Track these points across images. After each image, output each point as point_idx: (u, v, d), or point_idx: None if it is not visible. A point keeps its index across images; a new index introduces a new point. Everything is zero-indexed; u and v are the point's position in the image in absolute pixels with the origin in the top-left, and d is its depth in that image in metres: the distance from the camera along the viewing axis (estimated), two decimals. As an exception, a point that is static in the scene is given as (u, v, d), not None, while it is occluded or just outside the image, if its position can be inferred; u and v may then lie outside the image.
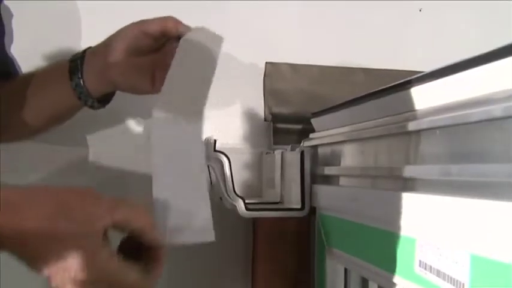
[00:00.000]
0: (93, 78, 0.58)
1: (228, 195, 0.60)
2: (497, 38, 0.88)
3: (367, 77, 0.85)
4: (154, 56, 0.58)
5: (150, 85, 0.58)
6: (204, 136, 0.69)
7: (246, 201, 0.61)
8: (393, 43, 0.89)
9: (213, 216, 0.85)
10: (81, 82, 0.58)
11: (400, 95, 0.44)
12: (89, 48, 0.59)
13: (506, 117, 0.30)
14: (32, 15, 0.72)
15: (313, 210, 0.61)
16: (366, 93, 0.50)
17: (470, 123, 0.34)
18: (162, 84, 0.52)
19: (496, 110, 0.31)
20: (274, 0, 0.82)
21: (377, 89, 0.48)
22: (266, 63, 0.79)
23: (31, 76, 0.61)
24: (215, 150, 0.60)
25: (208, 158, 0.63)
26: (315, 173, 0.62)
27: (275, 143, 0.78)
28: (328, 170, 0.59)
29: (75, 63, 0.58)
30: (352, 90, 0.83)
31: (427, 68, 0.90)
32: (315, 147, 0.63)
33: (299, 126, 0.77)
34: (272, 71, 0.79)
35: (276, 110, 0.78)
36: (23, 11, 0.72)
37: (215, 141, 0.61)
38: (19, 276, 0.78)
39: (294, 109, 0.79)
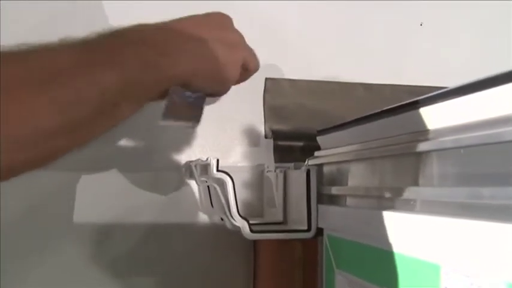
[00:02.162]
0: None
1: (231, 216, 0.58)
2: (498, 51, 0.88)
3: (367, 92, 0.83)
4: None
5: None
6: (204, 156, 0.67)
7: (250, 222, 0.59)
8: (393, 58, 0.88)
9: (212, 237, 0.83)
10: None
11: (414, 113, 0.42)
12: None
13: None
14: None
15: (320, 231, 0.59)
16: (376, 111, 0.48)
17: (504, 142, 0.31)
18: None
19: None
20: (272, 16, 0.81)
21: (387, 107, 0.46)
22: (266, 78, 0.78)
23: None
24: (218, 170, 0.58)
25: (209, 178, 0.61)
26: (321, 192, 0.60)
27: (276, 161, 0.75)
28: (336, 190, 0.57)
29: None
30: (352, 106, 0.82)
31: (427, 83, 0.88)
32: (321, 165, 0.61)
33: (300, 143, 0.75)
34: (272, 86, 0.77)
35: (277, 126, 0.76)
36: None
37: (218, 160, 0.58)
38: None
39: (295, 125, 0.77)
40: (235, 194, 0.58)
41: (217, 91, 0.50)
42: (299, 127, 0.77)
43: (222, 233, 0.82)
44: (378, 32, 0.86)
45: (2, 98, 0.32)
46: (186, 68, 0.43)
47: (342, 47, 0.85)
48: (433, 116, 0.40)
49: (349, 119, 0.54)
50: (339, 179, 0.58)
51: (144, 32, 0.42)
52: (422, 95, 0.40)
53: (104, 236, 0.83)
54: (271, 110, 0.77)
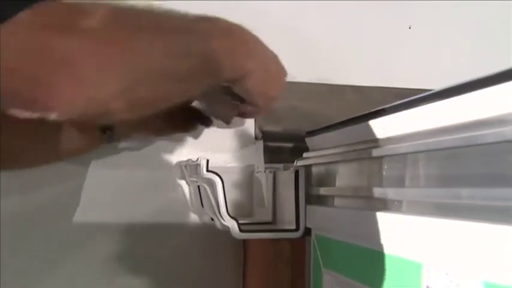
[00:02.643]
0: None
1: (221, 216, 0.59)
2: (487, 53, 0.89)
3: (356, 94, 0.84)
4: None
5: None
6: (195, 156, 0.67)
7: (239, 221, 0.60)
8: (382, 61, 0.89)
9: (202, 237, 0.84)
10: None
11: (400, 115, 0.43)
12: None
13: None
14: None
15: (308, 231, 0.60)
16: (363, 113, 0.49)
17: (483, 144, 0.33)
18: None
19: (510, 132, 0.30)
20: (261, 18, 0.81)
21: (374, 109, 0.47)
22: (256, 80, 0.78)
23: None
24: (208, 171, 0.59)
25: (199, 178, 0.62)
26: (309, 193, 0.61)
27: (266, 162, 0.76)
28: (324, 191, 0.58)
29: None
30: (342, 108, 0.82)
31: (416, 85, 0.89)
32: (309, 166, 0.62)
33: (290, 145, 0.76)
34: (262, 88, 0.78)
35: (267, 128, 0.77)
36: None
37: (207, 161, 0.59)
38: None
39: (285, 127, 0.78)
40: (225, 194, 0.59)
41: (256, 100, 0.54)
42: (289, 128, 0.77)
43: (212, 233, 0.82)
44: (367, 35, 0.87)
45: (132, 36, 0.40)
46: (250, 66, 0.49)
47: (332, 49, 0.86)
48: (416, 119, 0.41)
49: (337, 121, 0.55)
50: (327, 180, 0.59)
51: (229, 23, 0.49)
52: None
53: (93, 236, 0.83)
54: (261, 112, 0.78)
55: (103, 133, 0.62)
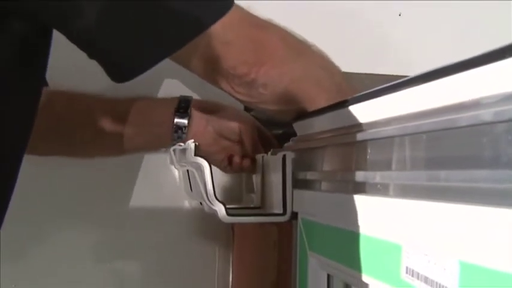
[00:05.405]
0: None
1: (208, 200, 0.59)
2: (476, 40, 0.89)
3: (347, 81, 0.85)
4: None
5: (228, 166, 0.73)
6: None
7: (227, 206, 0.60)
8: (372, 48, 0.89)
9: (192, 221, 0.85)
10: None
11: (384, 99, 0.43)
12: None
13: (496, 122, 0.30)
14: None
15: (294, 215, 0.61)
16: (348, 97, 0.50)
17: (459, 127, 0.33)
18: (235, 170, 0.73)
19: (486, 115, 0.31)
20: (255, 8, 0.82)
21: (360, 94, 0.48)
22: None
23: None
24: (195, 155, 0.59)
25: (188, 163, 0.62)
26: (297, 177, 0.62)
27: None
28: (311, 175, 0.58)
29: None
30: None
31: (406, 72, 0.90)
32: (297, 151, 0.63)
33: (280, 131, 0.76)
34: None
35: (256, 113, 0.78)
36: None
37: (195, 145, 0.59)
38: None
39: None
40: (213, 178, 0.60)
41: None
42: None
43: (202, 218, 0.83)
44: (358, 22, 0.87)
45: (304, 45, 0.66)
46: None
47: (322, 36, 0.86)
48: (398, 103, 0.41)
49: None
50: (314, 164, 0.60)
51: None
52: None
53: (83, 221, 0.84)
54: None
55: (174, 132, 0.67)
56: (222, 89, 0.62)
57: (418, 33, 0.89)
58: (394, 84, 0.41)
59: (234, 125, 0.71)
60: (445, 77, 0.34)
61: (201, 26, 0.50)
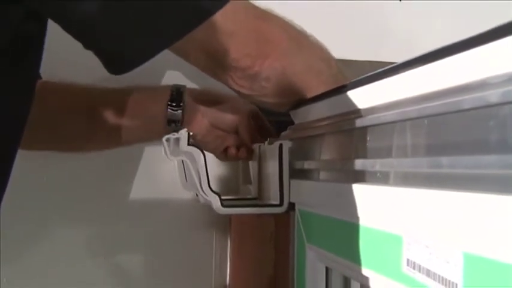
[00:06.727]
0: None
1: (203, 191, 0.57)
2: (479, 25, 0.87)
3: (347, 69, 0.83)
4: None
5: (223, 154, 0.71)
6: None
7: (222, 197, 0.58)
8: (373, 34, 0.87)
9: (189, 213, 0.83)
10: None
11: (383, 82, 0.41)
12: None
13: (503, 104, 0.28)
14: None
15: (292, 206, 0.59)
16: (344, 83, 0.48)
17: (464, 110, 0.31)
18: (233, 159, 0.70)
19: (493, 96, 0.28)
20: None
21: (358, 78, 0.46)
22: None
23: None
24: (189, 144, 0.57)
25: (182, 152, 0.60)
26: (294, 167, 0.60)
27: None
28: (308, 164, 0.56)
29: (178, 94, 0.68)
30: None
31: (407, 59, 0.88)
32: (294, 140, 0.61)
33: (279, 119, 0.74)
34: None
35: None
36: None
37: (189, 134, 0.57)
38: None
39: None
40: (207, 168, 0.58)
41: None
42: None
43: (200, 210, 0.82)
44: (359, 8, 0.85)
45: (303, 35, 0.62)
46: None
47: (324, 23, 0.84)
48: (398, 87, 0.39)
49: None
50: (311, 153, 0.58)
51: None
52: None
53: (78, 213, 0.83)
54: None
55: (168, 125, 0.66)
56: (222, 82, 0.60)
57: (419, 19, 0.87)
58: (393, 67, 0.39)
59: (230, 119, 0.70)
60: (448, 57, 0.32)
61: (203, 14, 0.47)
